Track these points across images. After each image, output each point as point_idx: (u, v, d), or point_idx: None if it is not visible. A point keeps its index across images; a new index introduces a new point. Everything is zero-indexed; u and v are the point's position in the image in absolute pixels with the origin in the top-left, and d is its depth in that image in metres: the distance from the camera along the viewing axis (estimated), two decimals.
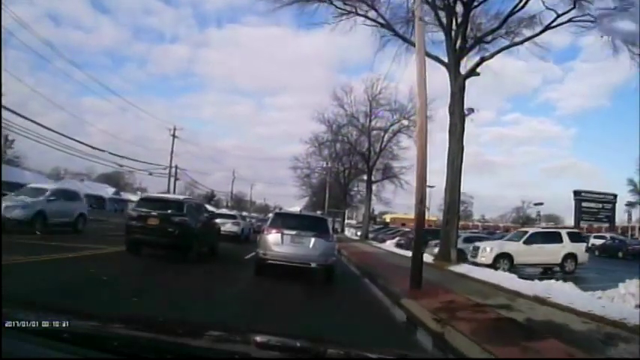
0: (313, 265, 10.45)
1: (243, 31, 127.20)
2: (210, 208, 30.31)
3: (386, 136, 39.64)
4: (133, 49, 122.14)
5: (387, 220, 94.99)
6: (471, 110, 17.58)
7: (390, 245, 30.11)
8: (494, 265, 16.67)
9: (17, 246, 10.35)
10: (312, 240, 10.58)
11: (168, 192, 48.99)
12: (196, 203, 15.10)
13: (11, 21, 33.91)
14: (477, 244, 18.72)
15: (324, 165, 49.17)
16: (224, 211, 30.94)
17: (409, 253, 23.37)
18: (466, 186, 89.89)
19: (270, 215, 13.40)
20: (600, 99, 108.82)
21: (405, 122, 38.25)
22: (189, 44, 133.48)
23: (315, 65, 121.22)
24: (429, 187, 68.65)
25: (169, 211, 12.25)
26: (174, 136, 55.14)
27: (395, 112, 38.50)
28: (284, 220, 11.15)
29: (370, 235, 40.63)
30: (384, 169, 38.67)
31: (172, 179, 52.07)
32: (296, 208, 15.55)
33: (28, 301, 2.27)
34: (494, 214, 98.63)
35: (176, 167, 49.84)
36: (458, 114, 16.38)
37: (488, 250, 17.42)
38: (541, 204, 43.73)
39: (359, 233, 47.61)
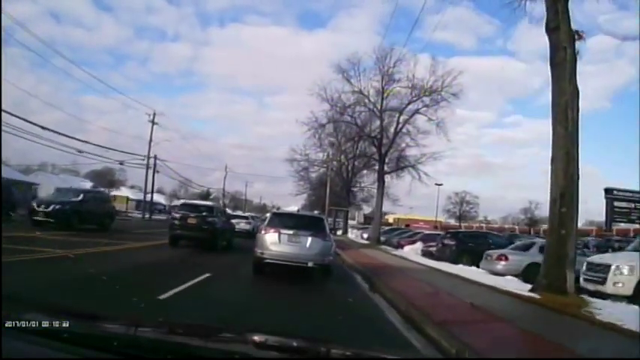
0: (310, 264, 10.41)
1: (245, 30, 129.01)
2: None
3: (401, 118, 32.75)
4: (135, 47, 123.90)
5: (390, 220, 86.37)
6: (579, 34, 10.76)
7: (411, 253, 24.34)
8: (636, 297, 9.78)
9: None
10: (309, 239, 10.59)
11: (145, 185, 46.70)
12: (221, 207, 21.88)
13: (12, 17, 32.67)
14: (595, 259, 11.83)
15: (325, 156, 40.15)
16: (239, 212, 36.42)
17: (463, 271, 14.77)
18: (467, 187, 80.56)
19: (268, 215, 14.24)
20: (601, 101, 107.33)
21: (427, 99, 31.58)
22: (191, 43, 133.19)
23: (317, 65, 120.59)
24: (437, 184, 56.18)
25: (203, 214, 16.42)
26: (153, 122, 47.97)
27: (413, 88, 31.53)
28: (281, 220, 11.30)
29: (381, 238, 34.40)
30: (397, 158, 29.51)
31: (151, 171, 41.33)
32: (293, 207, 16.09)
33: (28, 301, 2.30)
34: (495, 215, 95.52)
35: (155, 158, 40.32)
36: (565, 32, 10.34)
37: (625, 271, 10.43)
38: None
39: (365, 235, 38.33)
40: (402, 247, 27.33)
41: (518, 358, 4.61)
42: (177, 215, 16.52)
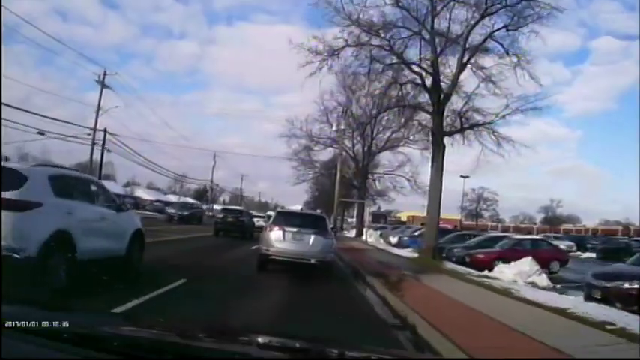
0: (313, 260, 10.96)
1: (252, 29, 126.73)
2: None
3: (466, 55, 18.67)
4: (141, 45, 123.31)
5: (404, 218, 73.25)
6: None
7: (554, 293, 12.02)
8: None
9: None
10: (312, 237, 11.13)
11: (91, 165, 34.94)
12: (247, 211, 34.04)
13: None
14: None
15: (336, 126, 25.34)
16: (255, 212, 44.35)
17: None
18: (469, 187, 74.35)
19: (269, 213, 18.73)
20: (607, 102, 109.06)
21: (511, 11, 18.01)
22: (198, 41, 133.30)
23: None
24: (462, 177, 49.15)
25: (237, 215, 26.60)
26: (103, 84, 34.13)
27: (477, 7, 17.91)
28: (286, 218, 12.04)
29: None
30: (459, 112, 13.66)
31: (100, 148, 35.76)
32: (297, 206, 16.32)
33: (28, 301, 2.18)
34: (501, 215, 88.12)
35: (105, 132, 26.09)
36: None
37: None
38: None
39: (393, 239, 24.61)
40: (479, 264, 17.04)
41: (511, 358, 4.61)
42: (220, 216, 26.91)
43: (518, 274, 14.25)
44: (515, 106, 18.68)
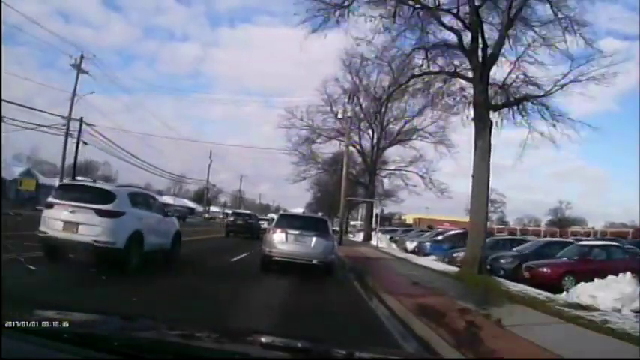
0: (315, 261, 11.28)
1: (254, 31, 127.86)
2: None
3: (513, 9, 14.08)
4: (143, 47, 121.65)
5: (410, 220, 68.72)
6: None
7: None
8: None
9: None
10: (314, 239, 11.42)
11: (63, 160, 31.99)
12: (254, 214, 34.82)
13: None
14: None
15: (342, 112, 20.37)
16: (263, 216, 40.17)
17: None
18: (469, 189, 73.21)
19: (271, 215, 18.83)
20: (609, 103, 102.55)
21: None
22: (200, 43, 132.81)
23: (327, 66, 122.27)
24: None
25: (246, 218, 30.35)
26: (79, 68, 30.06)
27: None
28: (288, 221, 12.50)
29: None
30: (503, 84, 8.75)
31: (74, 139, 31.31)
32: (299, 209, 19.04)
33: (28, 300, 2.41)
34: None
35: (81, 121, 20.06)
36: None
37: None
38: None
39: (410, 245, 27.13)
40: (543, 281, 12.84)
41: (508, 358, 4.37)
42: (231, 219, 30.30)
43: (619, 299, 9.40)
44: (575, 74, 13.95)
